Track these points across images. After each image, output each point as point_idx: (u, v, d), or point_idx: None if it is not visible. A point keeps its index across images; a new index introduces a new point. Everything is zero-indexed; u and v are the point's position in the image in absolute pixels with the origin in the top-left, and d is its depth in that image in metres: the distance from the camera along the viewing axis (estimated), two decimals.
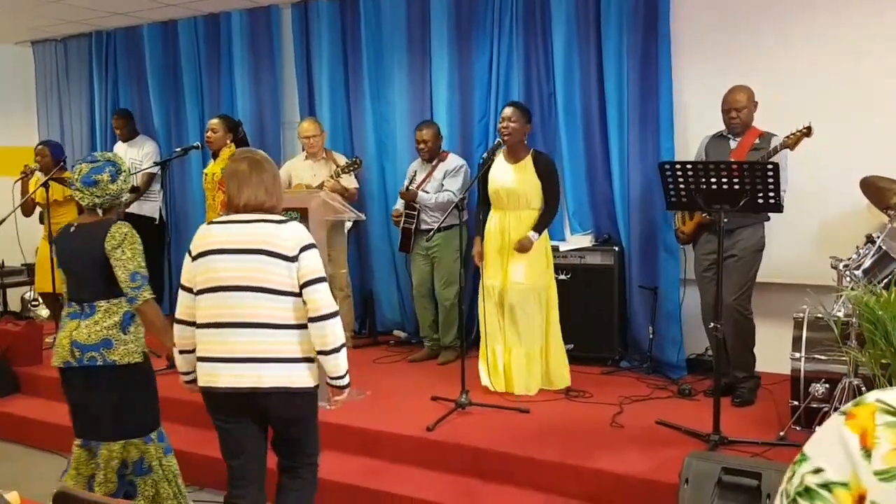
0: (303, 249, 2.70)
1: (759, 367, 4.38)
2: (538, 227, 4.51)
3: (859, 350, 3.43)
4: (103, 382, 3.16)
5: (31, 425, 4.86)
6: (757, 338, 4.31)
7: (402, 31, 5.81)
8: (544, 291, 4.57)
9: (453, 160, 5.30)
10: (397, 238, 5.50)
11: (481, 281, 4.65)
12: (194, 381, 2.94)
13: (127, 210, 6.59)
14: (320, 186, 5.14)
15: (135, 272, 3.13)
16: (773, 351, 4.27)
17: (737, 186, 3.55)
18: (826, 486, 0.98)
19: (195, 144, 5.60)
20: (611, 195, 5.15)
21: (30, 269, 6.70)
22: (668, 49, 4.84)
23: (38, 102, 7.90)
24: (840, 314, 3.63)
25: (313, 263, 2.71)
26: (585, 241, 5.18)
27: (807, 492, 0.99)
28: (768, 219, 4.21)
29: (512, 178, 4.54)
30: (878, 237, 3.73)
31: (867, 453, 0.96)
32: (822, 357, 3.71)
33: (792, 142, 3.93)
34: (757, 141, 4.17)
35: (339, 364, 2.78)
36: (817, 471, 0.99)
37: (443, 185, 5.22)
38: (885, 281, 3.63)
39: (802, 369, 3.76)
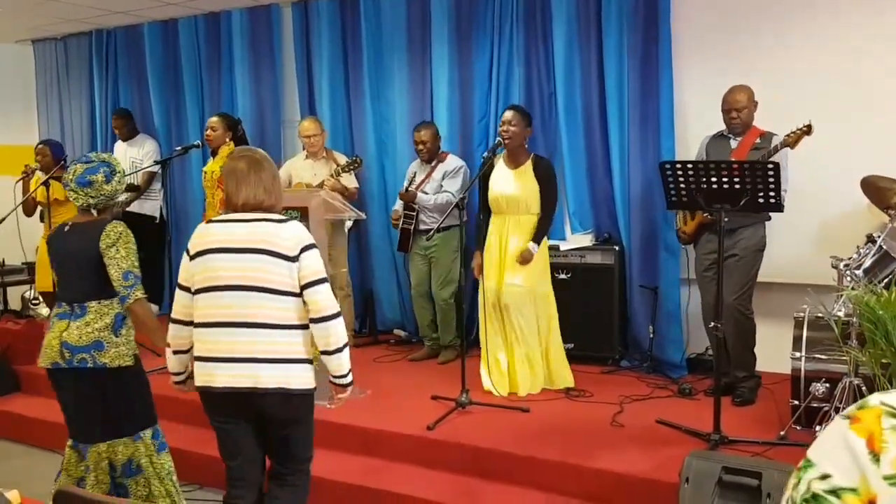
0: (304, 250, 2.68)
1: (760, 366, 4.38)
2: (537, 238, 4.50)
3: (860, 350, 3.43)
4: (93, 385, 3.13)
5: (31, 424, 4.86)
6: (757, 337, 4.31)
7: (402, 30, 5.81)
8: (541, 293, 4.57)
9: (452, 161, 5.30)
10: (397, 238, 5.50)
11: (481, 284, 4.65)
12: (184, 381, 2.94)
13: (127, 209, 6.60)
14: (320, 185, 5.14)
15: (128, 271, 3.11)
16: (774, 350, 4.27)
17: (737, 186, 3.55)
18: (834, 491, 0.96)
19: (195, 143, 5.60)
20: (611, 194, 5.16)
21: (30, 267, 6.70)
22: (668, 49, 4.84)
23: (39, 101, 7.90)
24: (840, 314, 3.63)
25: (315, 264, 2.70)
26: (586, 240, 5.18)
27: (814, 498, 0.97)
28: (769, 218, 4.21)
29: (512, 184, 4.54)
30: (879, 237, 3.73)
31: (875, 458, 0.94)
32: (823, 357, 3.71)
33: (792, 140, 3.93)
34: (758, 141, 4.17)
35: (341, 364, 2.79)
36: (824, 476, 0.97)
37: (442, 185, 5.22)
38: (886, 280, 3.63)
39: (803, 369, 3.76)
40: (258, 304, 2.64)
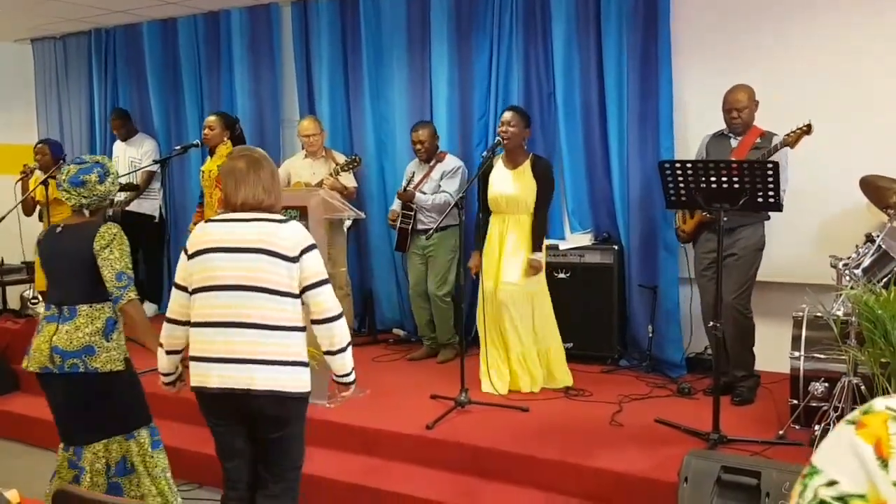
0: (304, 251, 2.66)
1: (759, 365, 4.39)
2: (537, 244, 4.50)
3: (858, 349, 3.43)
4: (83, 390, 3.12)
5: (31, 423, 4.86)
6: (756, 337, 4.31)
7: (401, 29, 5.81)
8: (536, 292, 4.58)
9: (451, 161, 5.30)
10: (395, 237, 5.50)
11: (480, 285, 4.66)
12: (173, 382, 2.92)
13: (126, 208, 6.60)
14: (319, 184, 5.15)
15: (121, 272, 3.09)
16: (773, 350, 4.27)
17: (736, 185, 3.55)
18: (842, 498, 0.95)
19: (195, 142, 5.60)
20: (610, 194, 5.16)
21: (29, 267, 6.70)
22: (667, 48, 4.84)
23: (38, 100, 7.89)
24: (839, 313, 3.63)
25: (316, 266, 2.69)
26: (585, 239, 5.18)
27: None
28: (768, 218, 4.21)
29: (511, 184, 4.55)
30: (878, 236, 3.73)
31: (884, 463, 0.93)
32: (822, 356, 3.71)
33: (792, 139, 3.93)
34: (758, 140, 4.17)
35: (345, 363, 2.79)
36: (831, 483, 0.96)
37: (440, 185, 5.22)
38: (885, 280, 3.63)
39: (802, 368, 3.76)
40: (256, 304, 2.62)
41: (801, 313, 3.88)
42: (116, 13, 6.65)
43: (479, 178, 4.63)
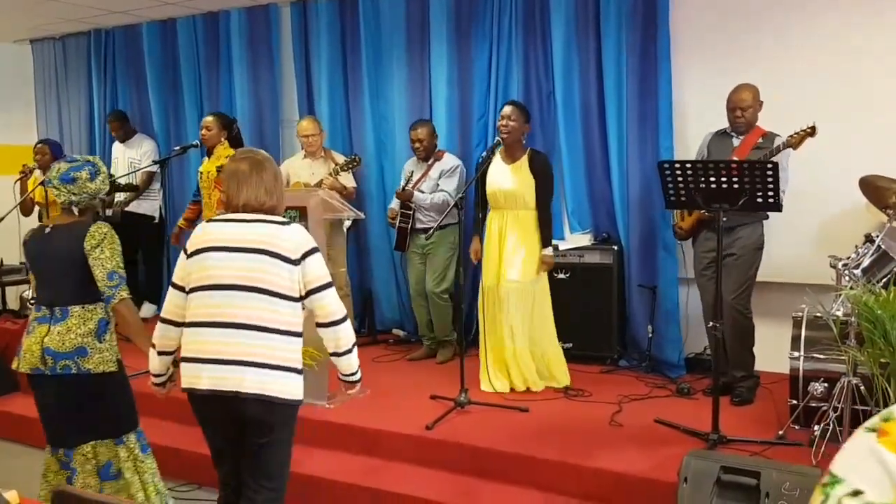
0: (307, 254, 2.64)
1: (758, 366, 4.39)
2: (545, 240, 4.53)
3: (858, 349, 3.43)
4: (76, 391, 3.10)
5: (30, 424, 4.82)
6: (756, 337, 4.31)
7: (401, 29, 5.81)
8: (539, 291, 4.58)
9: (449, 160, 5.30)
10: (395, 237, 5.50)
11: (481, 283, 4.66)
12: (163, 384, 2.89)
13: (125, 209, 6.60)
14: (319, 184, 5.15)
15: (113, 271, 3.08)
16: (772, 350, 4.27)
17: (736, 186, 3.55)
18: None
19: (194, 143, 5.59)
20: (610, 194, 5.15)
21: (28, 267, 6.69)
22: (667, 48, 4.84)
23: (37, 101, 7.89)
24: (839, 313, 3.63)
25: (319, 269, 2.66)
26: (584, 239, 5.18)
27: None
28: (767, 217, 4.21)
29: (509, 179, 4.55)
30: (878, 236, 3.74)
31: None
32: (821, 356, 3.71)
33: (795, 141, 3.92)
34: (760, 140, 4.17)
35: (351, 363, 2.79)
36: (856, 493, 0.95)
37: (438, 184, 5.22)
38: (884, 280, 3.63)
39: (801, 368, 3.76)
40: (252, 304, 2.58)
41: (800, 313, 3.88)
42: (116, 14, 6.65)
43: (478, 179, 4.63)
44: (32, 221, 6.19)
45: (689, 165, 3.65)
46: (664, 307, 4.91)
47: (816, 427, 3.52)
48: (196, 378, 2.61)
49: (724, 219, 3.68)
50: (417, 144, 5.24)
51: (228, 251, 2.62)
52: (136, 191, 6.50)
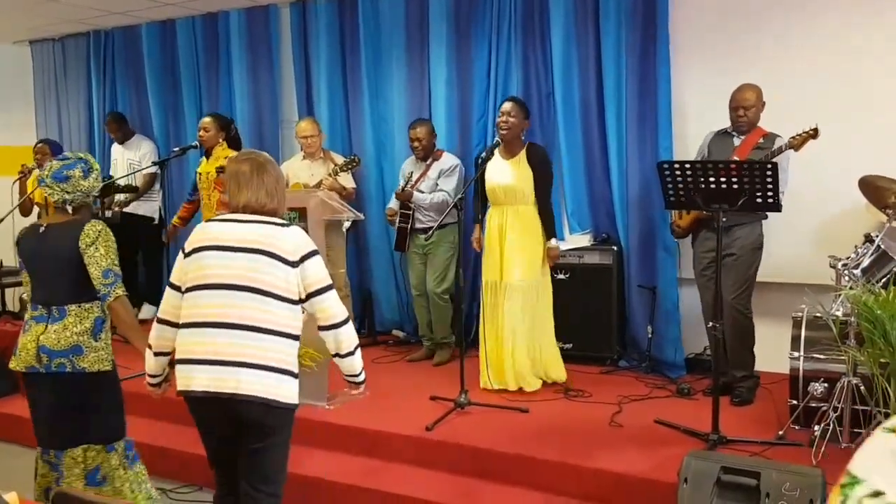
0: (306, 257, 2.61)
1: (758, 366, 4.38)
2: (549, 232, 4.54)
3: (858, 349, 3.43)
4: (71, 390, 3.09)
5: (30, 425, 4.84)
6: (756, 337, 4.31)
7: (400, 29, 5.81)
8: (541, 289, 4.59)
9: (448, 159, 5.30)
10: (395, 237, 5.50)
11: (481, 280, 4.66)
12: (158, 384, 2.88)
13: (124, 209, 6.59)
14: (318, 185, 5.14)
15: (108, 269, 3.06)
16: (772, 350, 4.26)
17: (735, 186, 3.55)
18: None
19: (193, 144, 5.59)
20: (609, 194, 5.15)
21: None
22: (666, 48, 4.84)
23: (37, 102, 7.88)
24: (839, 313, 3.63)
25: (319, 272, 2.64)
26: (584, 240, 5.18)
27: None
28: (766, 217, 4.21)
29: (508, 174, 4.55)
30: (877, 236, 3.74)
31: None
32: (821, 356, 3.71)
33: (797, 143, 3.93)
34: (761, 140, 4.17)
35: (353, 365, 2.77)
36: (877, 494, 0.93)
37: (437, 184, 5.21)
38: (884, 280, 3.63)
39: (801, 368, 3.76)
40: (248, 305, 2.55)
41: (800, 313, 3.88)
42: (115, 15, 6.65)
43: (477, 179, 4.63)
44: (32, 221, 6.18)
45: (688, 166, 3.65)
46: (664, 307, 4.91)
47: (816, 427, 3.52)
48: (191, 379, 2.57)
49: (724, 219, 3.68)
50: (416, 144, 5.24)
51: (227, 251, 2.60)
52: (136, 192, 6.50)
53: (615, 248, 5.06)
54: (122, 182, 6.23)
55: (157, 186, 6.62)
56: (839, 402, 3.51)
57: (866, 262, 3.68)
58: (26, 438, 4.82)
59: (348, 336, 2.69)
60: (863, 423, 3.48)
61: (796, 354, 3.78)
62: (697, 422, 3.80)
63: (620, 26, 4.96)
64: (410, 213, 5.25)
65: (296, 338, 2.64)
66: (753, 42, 4.73)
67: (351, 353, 2.72)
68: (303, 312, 2.68)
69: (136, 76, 7.10)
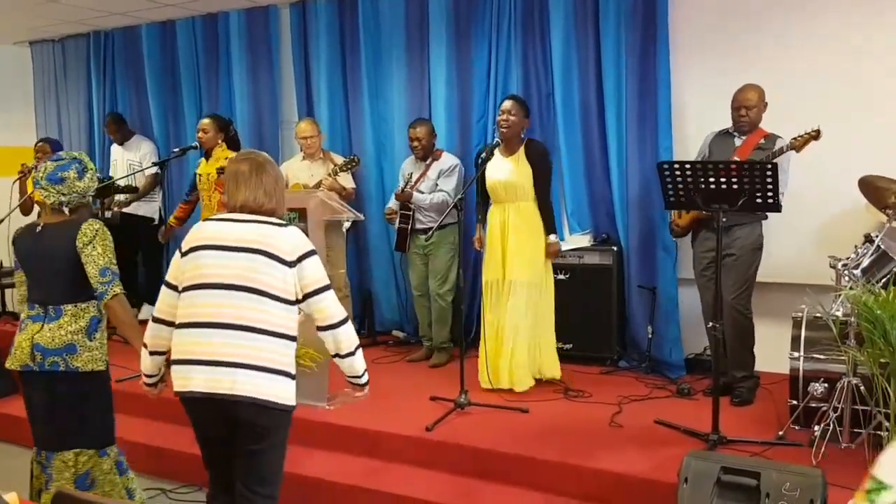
0: (303, 256, 2.60)
1: (758, 366, 4.38)
2: (549, 228, 4.55)
3: (858, 349, 3.43)
4: (63, 389, 3.08)
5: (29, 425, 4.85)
6: (756, 337, 4.30)
7: (400, 30, 5.81)
8: (543, 286, 4.59)
9: (448, 159, 5.30)
10: (395, 237, 5.50)
11: (482, 278, 4.66)
12: (154, 384, 2.87)
13: (124, 210, 6.59)
14: (318, 186, 5.14)
15: (105, 268, 3.06)
16: (772, 350, 4.26)
17: (735, 186, 3.55)
18: None
19: (193, 145, 5.59)
20: (609, 194, 5.15)
21: None
22: (666, 48, 4.84)
23: (37, 103, 7.88)
24: (839, 313, 3.63)
25: (317, 272, 2.62)
26: (584, 240, 5.18)
27: None
28: (766, 217, 4.21)
29: (508, 170, 4.56)
30: (877, 236, 3.74)
31: None
32: (821, 356, 3.71)
33: (799, 143, 3.93)
34: (762, 141, 4.17)
35: (354, 365, 2.74)
36: None
37: (437, 184, 5.21)
38: (884, 280, 3.63)
39: (801, 369, 3.76)
40: (245, 305, 2.53)
41: (800, 314, 3.87)
42: (115, 15, 6.65)
43: (478, 178, 4.64)
44: (30, 221, 6.18)
45: (688, 166, 3.65)
46: (664, 308, 4.91)
47: (816, 427, 3.52)
48: (186, 380, 2.55)
49: (724, 219, 3.68)
50: (416, 143, 5.24)
51: (224, 250, 2.59)
52: (136, 192, 6.50)
53: (615, 248, 5.06)
54: (121, 182, 6.23)
55: (157, 187, 6.62)
56: (839, 403, 3.51)
57: (866, 262, 3.68)
58: (26, 438, 4.81)
59: (347, 336, 2.67)
60: (863, 424, 3.48)
61: (796, 354, 3.78)
62: (697, 422, 3.80)
63: (620, 26, 4.96)
64: (411, 213, 5.25)
65: (292, 339, 2.62)
66: (753, 42, 4.73)
67: (351, 354, 2.70)
68: (299, 313, 2.66)
69: (136, 77, 7.11)
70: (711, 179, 3.58)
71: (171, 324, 2.68)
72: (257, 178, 2.67)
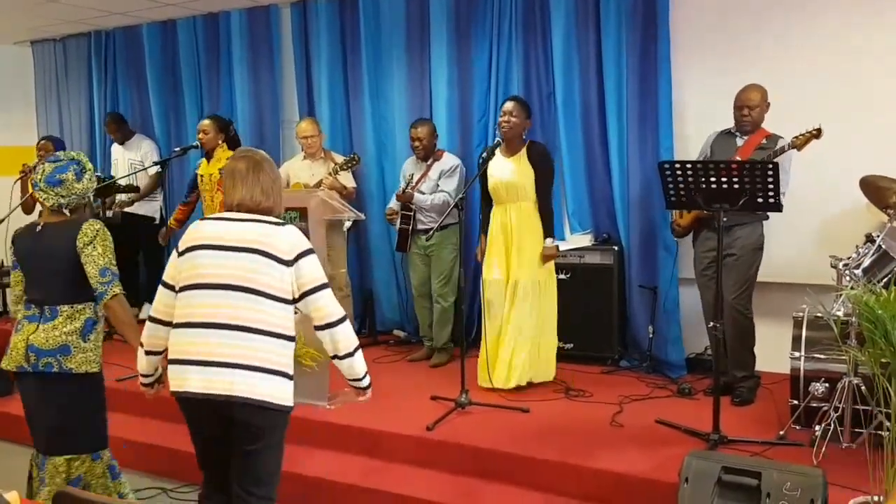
0: (301, 255, 2.58)
1: (759, 366, 4.38)
2: (547, 231, 4.54)
3: (859, 349, 3.43)
4: (57, 391, 3.07)
5: None
6: (757, 337, 4.30)
7: (401, 29, 5.81)
8: (546, 286, 4.59)
9: (448, 160, 5.29)
10: (396, 238, 5.50)
11: (482, 277, 4.66)
12: (151, 384, 2.86)
13: (125, 209, 6.60)
14: (318, 185, 5.14)
15: (105, 268, 3.05)
16: (773, 350, 4.26)
17: (736, 186, 3.55)
18: None
19: (194, 144, 5.59)
20: (610, 194, 5.16)
21: None
22: (667, 48, 4.84)
23: (38, 102, 7.89)
24: (840, 313, 3.62)
25: (314, 271, 2.60)
26: (585, 240, 5.18)
27: None
28: (767, 217, 4.21)
29: (509, 170, 4.56)
30: (878, 236, 3.73)
31: None
32: (822, 356, 3.70)
33: (800, 143, 3.93)
34: (764, 141, 4.17)
35: (354, 367, 2.70)
36: None
37: (438, 185, 5.21)
38: (885, 280, 3.63)
39: (802, 368, 3.75)
40: (242, 305, 2.51)
41: (801, 313, 3.87)
42: (116, 15, 6.65)
43: (480, 178, 4.63)
44: (30, 221, 6.18)
45: (689, 166, 3.65)
46: (665, 307, 4.90)
47: (817, 427, 3.52)
48: (183, 380, 2.53)
49: (725, 219, 3.68)
50: (417, 143, 5.23)
51: (221, 250, 2.57)
52: (137, 192, 6.50)
53: (616, 247, 5.06)
54: (122, 182, 6.23)
55: (159, 187, 6.63)
56: (840, 402, 3.50)
57: (867, 262, 3.68)
58: (26, 438, 4.82)
59: (345, 336, 2.64)
60: (864, 424, 3.47)
61: (797, 354, 3.78)
62: (698, 422, 3.80)
63: (621, 26, 4.96)
64: (412, 213, 5.24)
65: (290, 338, 2.61)
66: (753, 42, 4.73)
67: (350, 355, 2.66)
68: (296, 313, 2.64)
69: (137, 76, 7.11)
70: (712, 179, 3.58)
71: (167, 323, 2.66)
72: (255, 177, 2.66)
